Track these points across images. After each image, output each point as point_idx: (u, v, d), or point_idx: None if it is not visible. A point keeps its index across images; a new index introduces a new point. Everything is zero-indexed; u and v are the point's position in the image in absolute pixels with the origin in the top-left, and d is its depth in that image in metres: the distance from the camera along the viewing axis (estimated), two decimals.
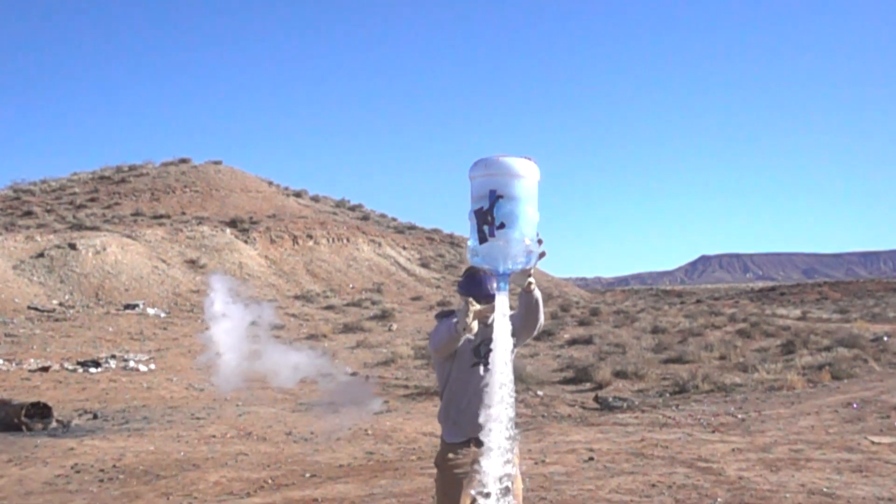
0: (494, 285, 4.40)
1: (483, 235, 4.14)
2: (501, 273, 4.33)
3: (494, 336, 4.06)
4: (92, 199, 42.34)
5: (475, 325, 3.87)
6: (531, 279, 4.29)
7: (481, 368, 4.37)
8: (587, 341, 23.19)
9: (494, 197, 4.13)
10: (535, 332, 4.53)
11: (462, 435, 4.40)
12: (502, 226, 4.11)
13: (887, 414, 11.38)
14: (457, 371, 4.32)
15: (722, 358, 19.49)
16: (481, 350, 4.38)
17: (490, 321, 4.47)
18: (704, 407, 13.10)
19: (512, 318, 4.50)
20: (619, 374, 16.96)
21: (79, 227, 34.70)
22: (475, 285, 4.44)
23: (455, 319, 4.03)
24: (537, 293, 4.35)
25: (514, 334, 4.51)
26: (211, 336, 8.80)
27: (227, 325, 8.62)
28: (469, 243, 4.31)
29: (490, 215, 4.11)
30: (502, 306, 4.35)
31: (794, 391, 14.48)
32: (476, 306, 3.89)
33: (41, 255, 30.07)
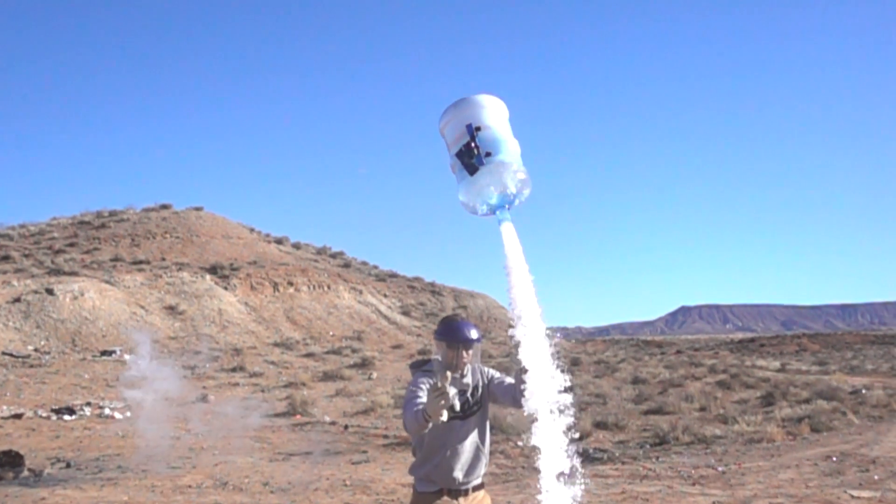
0: (472, 332, 4.41)
1: (473, 167, 4.19)
2: (499, 204, 4.38)
3: (510, 273, 4.11)
4: (71, 244, 42.07)
5: (445, 415, 3.82)
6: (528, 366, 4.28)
7: (458, 422, 4.33)
8: (568, 391, 23.08)
9: (472, 129, 4.24)
10: (521, 409, 4.51)
11: (434, 486, 4.35)
12: (489, 154, 4.19)
13: (867, 468, 11.37)
14: (431, 432, 4.23)
15: (702, 409, 19.46)
16: (456, 403, 4.33)
17: (465, 372, 4.45)
18: (685, 459, 13.05)
19: (501, 386, 4.50)
20: (600, 425, 16.89)
21: (57, 272, 34.44)
22: (452, 331, 4.42)
23: (422, 406, 3.95)
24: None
25: (495, 400, 4.51)
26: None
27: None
28: (461, 197, 4.34)
29: (475, 146, 4.19)
30: (508, 235, 4.40)
31: (774, 443, 14.46)
32: (446, 389, 3.80)
33: (18, 300, 29.77)
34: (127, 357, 25.83)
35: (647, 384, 25.49)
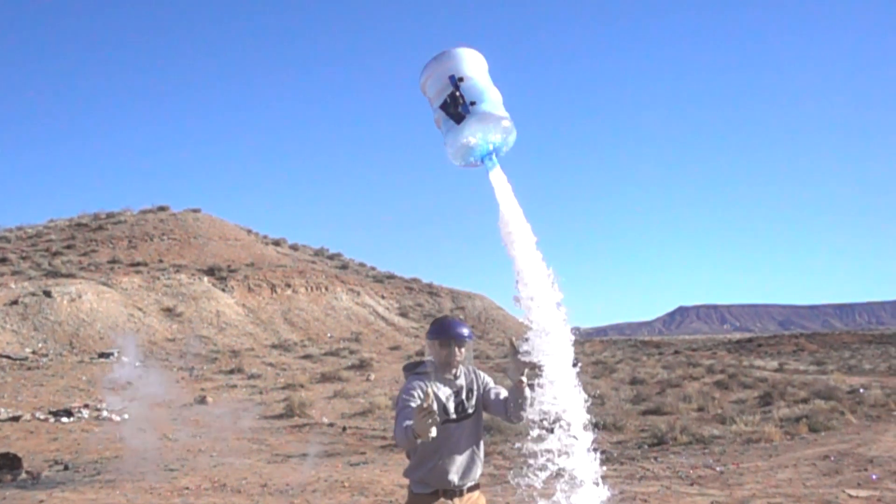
0: (464, 329, 4.42)
1: (459, 116, 4.26)
2: (487, 152, 4.45)
3: (506, 222, 4.17)
4: (68, 247, 42.00)
5: (434, 431, 3.81)
6: (524, 378, 4.32)
7: (452, 425, 4.32)
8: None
9: (455, 80, 4.33)
10: (513, 423, 4.52)
11: (430, 488, 4.34)
12: (473, 103, 4.28)
13: (864, 467, 11.38)
14: None
15: (700, 409, 19.48)
16: (450, 406, 4.32)
17: (458, 373, 4.45)
18: (683, 459, 13.05)
19: (494, 397, 4.50)
20: (598, 426, 16.87)
21: (54, 274, 34.40)
22: (443, 329, 4.43)
23: (410, 423, 3.93)
24: (528, 392, 4.34)
25: (487, 409, 4.51)
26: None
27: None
28: (449, 150, 4.40)
29: (459, 95, 4.27)
30: (499, 183, 4.45)
31: (772, 443, 14.46)
32: (433, 409, 3.78)
33: (15, 302, 29.72)
34: (115, 360, 25.83)
35: (645, 384, 25.51)
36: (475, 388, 4.45)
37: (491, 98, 4.39)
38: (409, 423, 3.92)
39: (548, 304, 4.30)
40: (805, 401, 20.14)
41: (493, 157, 4.50)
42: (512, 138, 4.45)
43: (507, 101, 4.43)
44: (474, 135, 4.35)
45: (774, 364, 39.68)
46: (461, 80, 4.33)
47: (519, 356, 4.27)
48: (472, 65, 4.45)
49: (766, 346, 67.36)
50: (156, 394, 20.68)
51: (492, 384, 4.54)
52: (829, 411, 17.86)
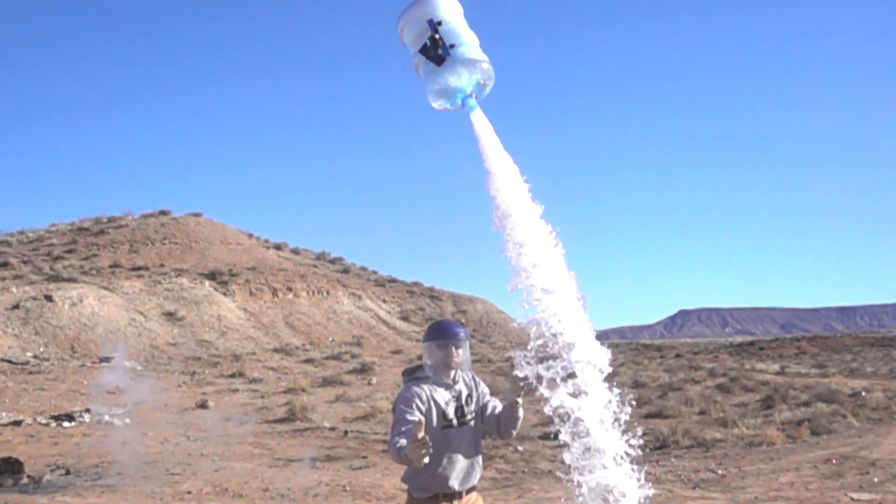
0: (460, 331, 4.42)
1: (440, 58, 4.34)
2: (467, 94, 4.52)
3: (489, 160, 4.22)
4: (70, 251, 42.05)
5: (427, 459, 3.80)
6: (519, 399, 4.38)
7: (451, 430, 4.31)
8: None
9: (434, 24, 4.43)
10: (502, 439, 4.54)
11: (429, 492, 4.32)
12: (452, 46, 4.35)
13: (866, 470, 11.37)
14: None
15: (702, 413, 19.44)
16: (449, 411, 4.30)
17: (456, 378, 4.44)
18: (685, 463, 13.04)
19: (490, 411, 4.51)
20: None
21: (56, 278, 34.42)
22: (440, 330, 4.44)
23: (403, 443, 3.92)
24: (521, 413, 4.41)
25: (482, 419, 4.51)
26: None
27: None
28: (430, 92, 4.46)
29: (439, 38, 4.35)
30: (480, 123, 4.52)
31: (774, 447, 14.44)
32: (427, 440, 3.76)
33: (17, 306, 29.74)
34: (105, 365, 25.81)
35: (646, 388, 25.47)
36: (475, 394, 4.45)
37: (469, 41, 4.50)
38: (403, 443, 3.91)
39: (535, 241, 4.38)
40: (807, 404, 20.11)
41: (473, 98, 4.60)
42: (491, 81, 4.55)
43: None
44: (455, 76, 4.44)
45: (776, 367, 39.63)
46: (439, 23, 4.44)
47: (517, 378, 4.31)
48: (449, 9, 4.55)
49: (767, 350, 67.30)
50: (146, 399, 20.69)
51: (489, 396, 4.54)
52: (830, 414, 17.84)
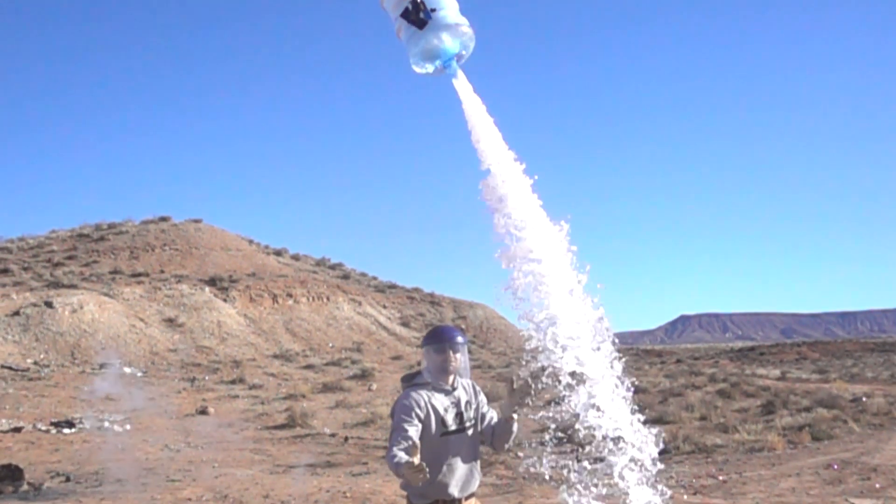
0: (458, 335, 4.43)
1: (422, 21, 4.42)
2: (449, 57, 4.58)
3: (472, 123, 4.27)
4: (70, 257, 42.05)
5: (421, 482, 3.81)
6: (515, 415, 4.42)
7: (451, 437, 4.30)
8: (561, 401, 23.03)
9: None
10: (493, 450, 4.56)
11: (429, 499, 4.31)
12: (433, 10, 4.42)
13: (868, 476, 11.35)
14: (423, 447, 4.17)
15: (703, 418, 19.43)
16: (448, 418, 4.29)
17: (455, 384, 4.43)
18: (686, 468, 13.03)
19: (487, 422, 4.52)
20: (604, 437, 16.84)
21: (56, 285, 34.41)
22: (437, 334, 4.46)
23: (401, 459, 3.92)
24: (515, 427, 4.45)
25: (478, 424, 4.51)
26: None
27: None
28: (412, 56, 4.52)
29: (420, 3, 4.43)
30: (463, 87, 4.58)
31: (775, 452, 14.44)
32: (424, 466, 3.76)
33: (17, 313, 29.72)
34: (96, 373, 25.76)
35: (647, 393, 25.45)
36: (474, 402, 4.45)
37: (449, 5, 4.57)
38: (400, 459, 3.90)
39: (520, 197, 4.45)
40: (808, 409, 20.10)
41: (454, 62, 4.67)
42: (471, 44, 4.62)
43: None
44: (437, 39, 4.52)
45: (777, 372, 39.63)
46: None
47: (515, 393, 4.36)
48: None
49: (768, 355, 67.39)
50: (146, 406, 20.69)
51: (486, 406, 4.54)
52: (831, 420, 17.84)
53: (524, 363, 4.46)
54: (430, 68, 4.68)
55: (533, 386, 4.38)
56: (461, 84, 4.71)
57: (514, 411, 4.39)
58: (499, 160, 4.51)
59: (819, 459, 13.26)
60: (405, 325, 45.85)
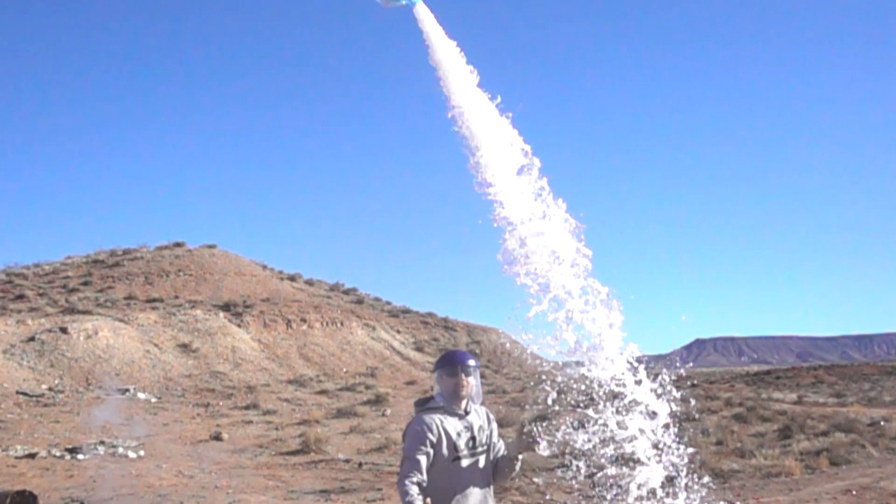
0: (469, 359, 4.45)
1: None
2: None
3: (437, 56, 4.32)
4: (85, 283, 42.26)
5: None
6: (520, 457, 4.52)
7: (463, 461, 4.28)
8: (584, 425, 22.91)
9: None
10: (493, 482, 4.57)
11: None
12: None
13: (886, 501, 11.24)
14: (435, 472, 4.18)
15: (719, 443, 19.29)
16: (460, 442, 4.29)
17: (468, 409, 4.43)
18: (702, 494, 12.91)
19: (494, 457, 4.54)
20: (617, 459, 16.74)
21: (71, 310, 34.57)
22: (449, 359, 4.50)
23: (412, 499, 3.97)
24: (518, 466, 4.57)
25: (490, 452, 4.52)
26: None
27: None
28: None
29: None
30: (423, 16, 4.66)
31: (793, 477, 14.31)
32: None
33: (32, 339, 29.86)
34: (101, 400, 25.73)
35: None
36: (487, 429, 4.45)
37: None
38: (412, 498, 3.94)
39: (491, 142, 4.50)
40: (825, 434, 19.93)
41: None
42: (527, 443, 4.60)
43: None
44: None
45: (793, 396, 39.33)
46: None
47: (524, 436, 4.40)
48: None
49: (784, 379, 66.85)
50: (160, 431, 20.69)
51: (498, 435, 4.57)
52: (849, 444, 17.68)
53: (539, 392, 4.48)
54: (396, 1, 4.84)
55: (536, 437, 4.43)
56: (422, 13, 4.83)
57: (520, 453, 4.45)
58: (468, 100, 4.55)
59: (837, 485, 13.13)
60: (419, 349, 45.77)
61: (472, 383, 4.42)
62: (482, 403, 4.58)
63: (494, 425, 4.55)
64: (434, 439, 4.17)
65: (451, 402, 4.35)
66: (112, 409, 23.07)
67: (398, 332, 47.33)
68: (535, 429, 4.45)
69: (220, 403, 26.88)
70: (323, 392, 31.88)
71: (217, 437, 20.26)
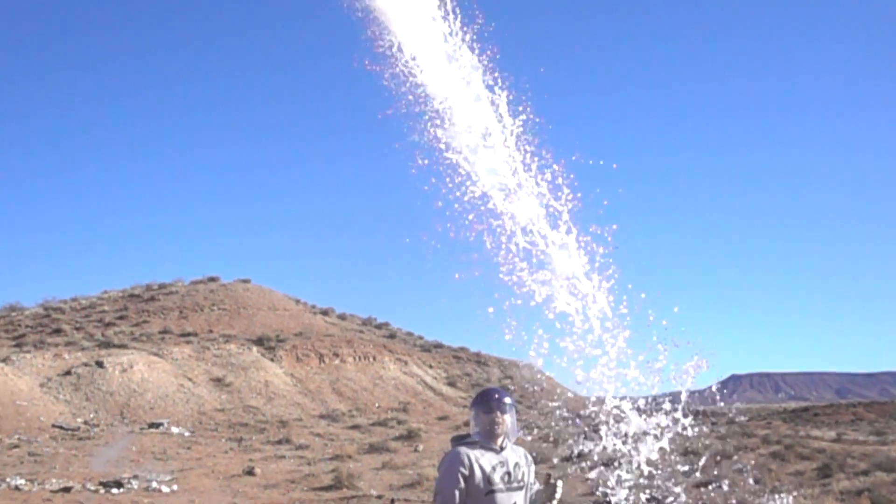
0: (505, 398, 4.47)
1: None
2: None
3: None
4: (121, 317, 42.72)
5: None
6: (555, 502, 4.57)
7: (498, 496, 4.28)
8: (618, 464, 22.67)
9: None
10: None
11: None
12: None
13: None
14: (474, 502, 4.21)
15: (756, 482, 18.97)
16: (495, 476, 4.30)
17: (504, 444, 4.44)
18: None
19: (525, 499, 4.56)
20: (651, 498, 16.53)
21: (107, 344, 34.92)
22: (485, 396, 4.52)
23: None
24: None
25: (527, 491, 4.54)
26: None
27: None
28: None
29: None
30: None
31: None
32: None
33: (68, 372, 30.19)
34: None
35: (698, 455, 24.95)
36: (524, 467, 4.46)
37: None
38: None
39: None
40: (866, 473, 19.55)
41: None
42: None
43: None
44: None
45: (832, 434, 38.67)
46: None
47: (547, 488, 4.47)
48: None
49: (822, 416, 65.82)
50: (194, 466, 20.69)
51: (534, 477, 4.61)
52: (891, 484, 17.32)
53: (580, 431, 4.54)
54: None
55: (558, 488, 4.52)
56: None
57: (545, 502, 4.49)
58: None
59: None
60: (451, 384, 45.62)
61: (508, 421, 4.45)
62: (517, 442, 4.60)
63: (533, 467, 4.56)
64: (466, 472, 4.20)
65: (487, 439, 4.38)
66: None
67: (430, 366, 47.25)
68: (559, 481, 4.53)
69: (253, 438, 26.92)
70: (355, 427, 31.83)
71: (250, 472, 20.26)
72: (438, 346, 53.44)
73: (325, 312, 53.44)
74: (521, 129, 5.28)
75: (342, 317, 54.39)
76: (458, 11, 5.17)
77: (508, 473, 4.35)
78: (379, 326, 54.90)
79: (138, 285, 49.62)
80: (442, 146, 4.97)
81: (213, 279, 50.69)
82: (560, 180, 5.28)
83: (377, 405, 38.05)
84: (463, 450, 4.31)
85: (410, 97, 5.25)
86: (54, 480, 17.33)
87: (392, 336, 52.64)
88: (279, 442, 26.40)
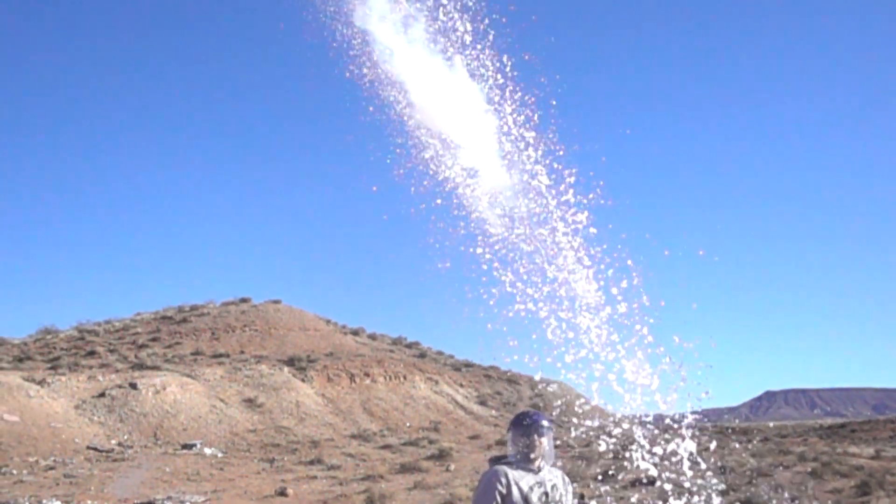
0: (543, 420, 4.46)
1: None
2: None
3: None
4: (154, 339, 43.05)
5: None
6: None
7: None
8: (651, 482, 22.46)
9: None
10: None
11: None
12: None
13: None
14: None
15: (793, 500, 18.72)
16: (532, 497, 4.31)
17: (541, 465, 4.43)
18: None
19: None
20: None
21: (140, 366, 35.20)
22: (523, 420, 4.53)
23: None
24: None
25: None
26: None
27: None
28: None
29: None
30: None
31: None
32: None
33: (102, 394, 30.45)
34: (187, 455, 25.84)
35: (734, 473, 24.66)
36: (562, 489, 4.46)
37: None
38: None
39: None
40: None
41: None
42: None
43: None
44: None
45: (870, 451, 38.04)
46: None
47: None
48: None
49: (860, 432, 64.80)
50: (226, 487, 20.74)
51: (571, 500, 4.61)
52: None
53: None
54: None
55: None
56: None
57: None
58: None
59: None
60: (482, 403, 45.47)
61: (546, 444, 4.46)
62: (555, 464, 4.61)
63: (570, 488, 4.56)
64: (504, 490, 4.23)
65: (524, 461, 4.39)
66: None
67: (461, 385, 47.14)
68: (593, 502, 4.61)
69: (285, 458, 26.96)
70: (386, 447, 31.79)
71: (282, 493, 20.30)
72: (469, 364, 53.33)
73: (355, 332, 53.56)
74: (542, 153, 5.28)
75: (372, 336, 54.48)
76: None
77: (546, 494, 4.36)
78: (409, 346, 54.93)
79: (170, 307, 50.05)
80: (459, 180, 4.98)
81: (244, 300, 51.01)
82: (581, 199, 5.26)
83: (408, 424, 38.00)
84: (501, 468, 4.34)
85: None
86: (89, 502, 17.46)
87: (422, 355, 52.63)
88: (311, 462, 26.42)
